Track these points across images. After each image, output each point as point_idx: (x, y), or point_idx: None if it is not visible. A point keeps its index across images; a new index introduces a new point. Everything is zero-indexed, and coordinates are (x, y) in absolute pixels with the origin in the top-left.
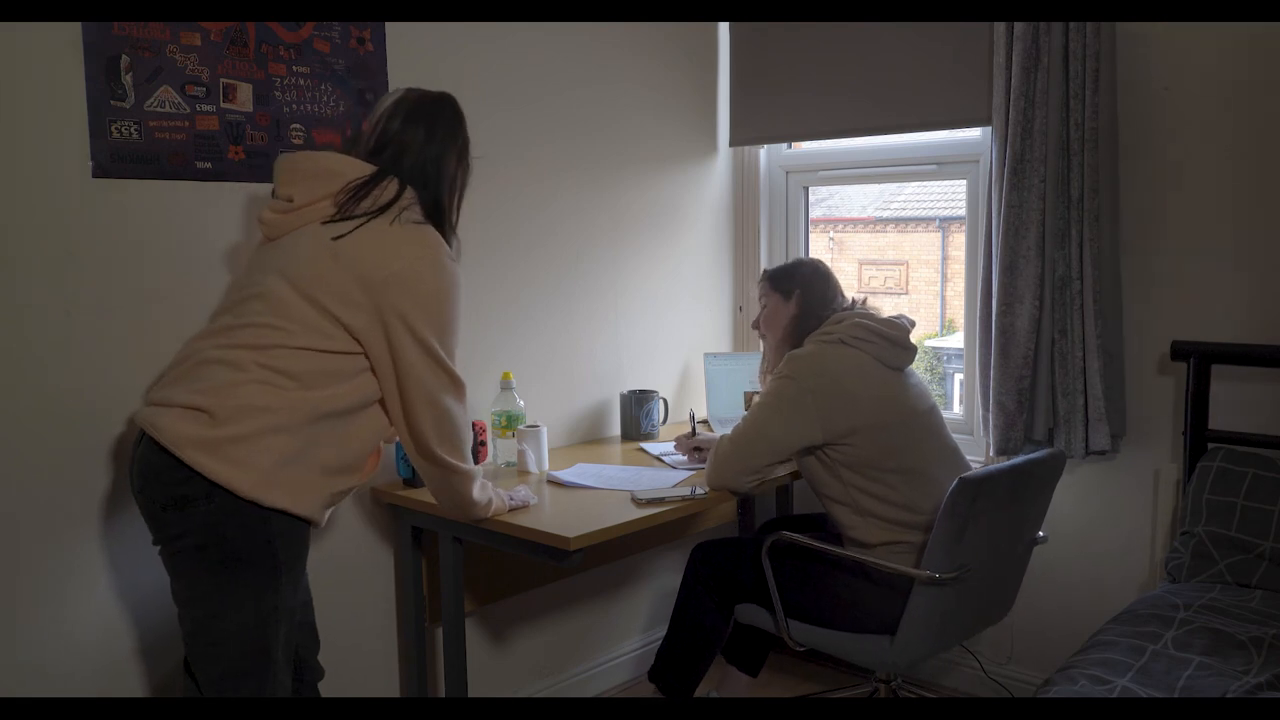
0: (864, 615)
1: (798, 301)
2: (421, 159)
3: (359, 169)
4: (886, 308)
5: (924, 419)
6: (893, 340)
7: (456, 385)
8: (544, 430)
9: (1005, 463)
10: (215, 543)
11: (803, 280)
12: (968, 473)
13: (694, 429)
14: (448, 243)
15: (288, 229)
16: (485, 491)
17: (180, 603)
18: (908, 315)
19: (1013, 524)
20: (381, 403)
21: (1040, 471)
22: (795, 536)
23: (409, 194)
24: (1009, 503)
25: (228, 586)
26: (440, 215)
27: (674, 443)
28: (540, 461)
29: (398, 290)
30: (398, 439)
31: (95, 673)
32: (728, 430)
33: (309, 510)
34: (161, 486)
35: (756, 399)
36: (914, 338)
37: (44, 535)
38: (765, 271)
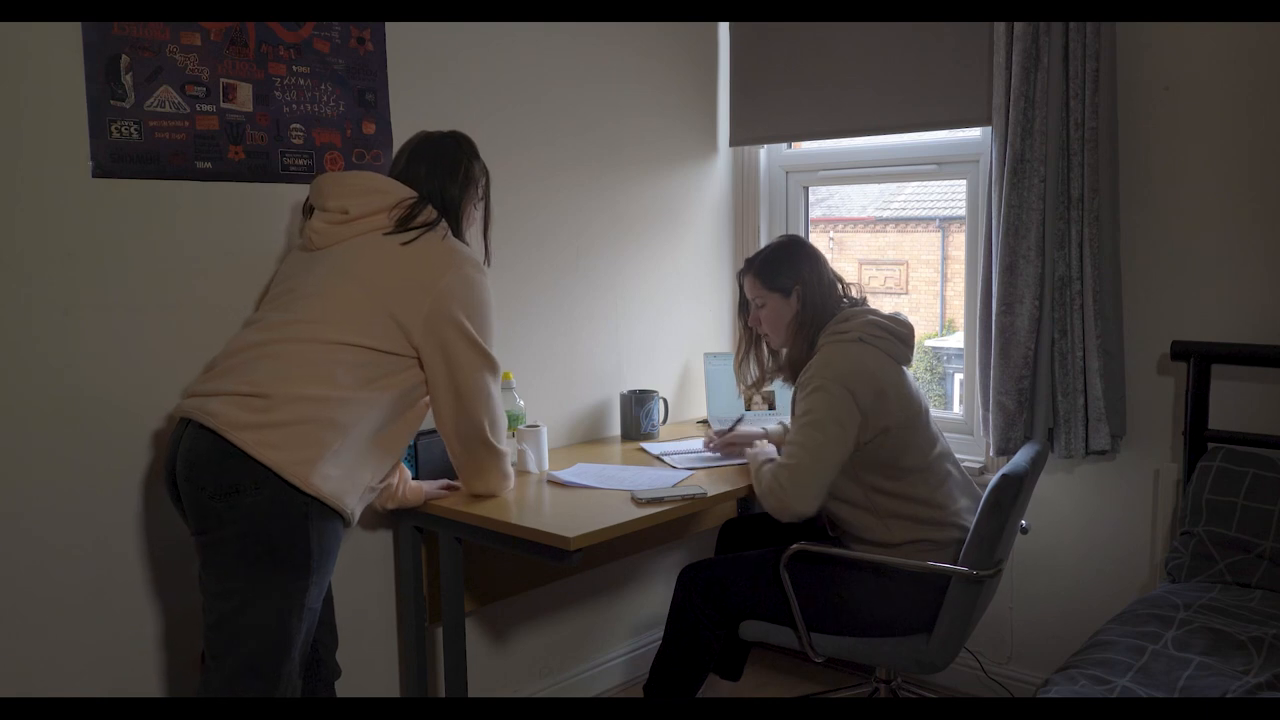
0: (891, 618)
1: (799, 297)
2: (427, 191)
3: (405, 190)
4: (886, 308)
5: (927, 416)
6: (900, 338)
7: (496, 370)
8: (544, 430)
9: (1025, 457)
10: (255, 534)
11: (799, 270)
12: (1007, 469)
13: (733, 427)
14: None
15: (340, 239)
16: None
17: (208, 594)
18: (902, 313)
19: (1018, 516)
20: (421, 403)
21: (1041, 462)
22: (815, 546)
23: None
24: (1025, 496)
25: (259, 580)
26: (460, 239)
27: (704, 440)
28: (540, 461)
29: (454, 297)
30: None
31: (112, 665)
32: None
33: (349, 504)
34: (212, 474)
35: (800, 419)
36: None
37: (43, 535)
38: (749, 264)
